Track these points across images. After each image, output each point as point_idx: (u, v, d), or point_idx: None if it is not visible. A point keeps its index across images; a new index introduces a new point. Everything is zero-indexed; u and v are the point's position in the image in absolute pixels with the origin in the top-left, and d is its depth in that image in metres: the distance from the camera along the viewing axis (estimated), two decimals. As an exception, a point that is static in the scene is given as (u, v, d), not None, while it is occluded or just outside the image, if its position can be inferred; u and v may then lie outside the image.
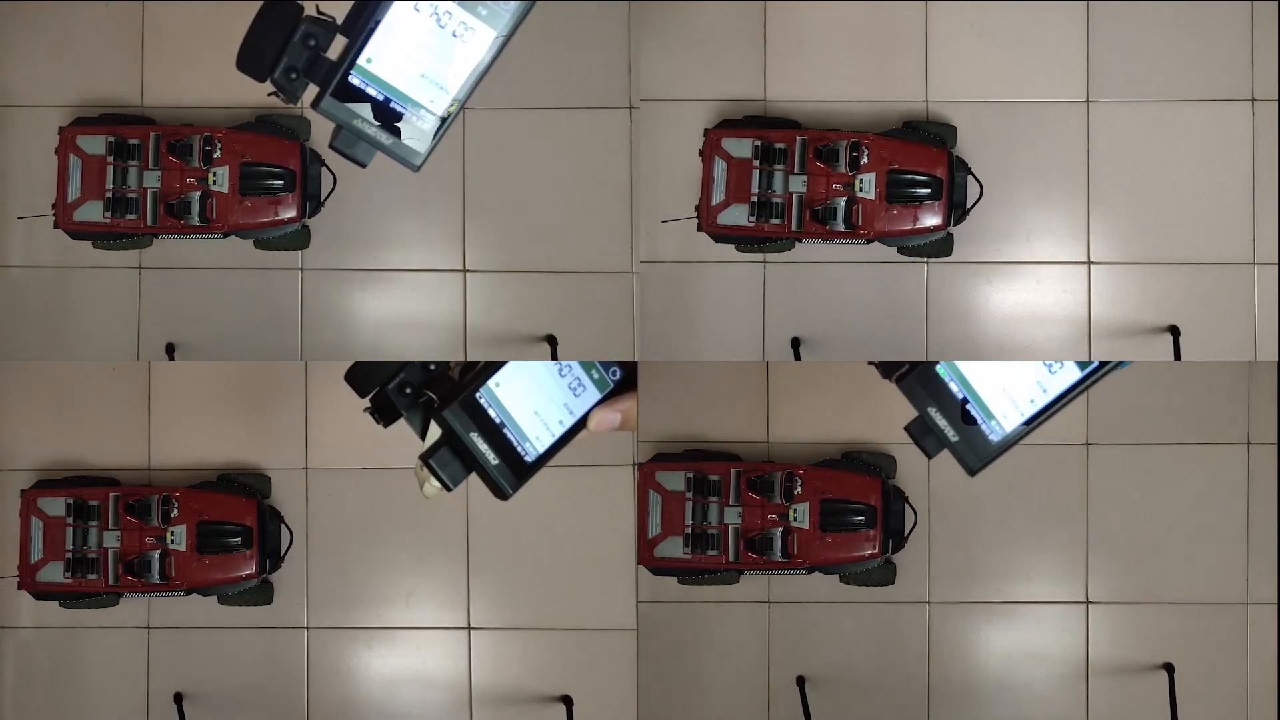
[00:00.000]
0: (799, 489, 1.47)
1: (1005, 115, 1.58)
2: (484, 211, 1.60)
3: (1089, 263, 1.59)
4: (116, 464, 1.58)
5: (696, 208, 1.52)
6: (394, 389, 0.79)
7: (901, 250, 1.55)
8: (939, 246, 1.54)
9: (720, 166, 1.49)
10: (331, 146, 0.77)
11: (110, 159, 1.48)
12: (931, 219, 1.50)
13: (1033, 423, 0.99)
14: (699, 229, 1.52)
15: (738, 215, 1.49)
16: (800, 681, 1.58)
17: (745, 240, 1.52)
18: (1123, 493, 1.58)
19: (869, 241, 1.50)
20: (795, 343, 1.59)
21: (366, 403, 0.83)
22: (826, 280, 1.59)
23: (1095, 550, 1.59)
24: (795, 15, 1.60)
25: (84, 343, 1.59)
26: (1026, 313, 1.59)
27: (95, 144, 1.48)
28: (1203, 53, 1.58)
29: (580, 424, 0.79)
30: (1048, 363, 0.98)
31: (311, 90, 0.78)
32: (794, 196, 1.48)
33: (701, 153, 1.52)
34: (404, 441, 1.59)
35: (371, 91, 0.74)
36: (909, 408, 1.06)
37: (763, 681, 1.59)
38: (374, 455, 1.59)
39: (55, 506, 1.47)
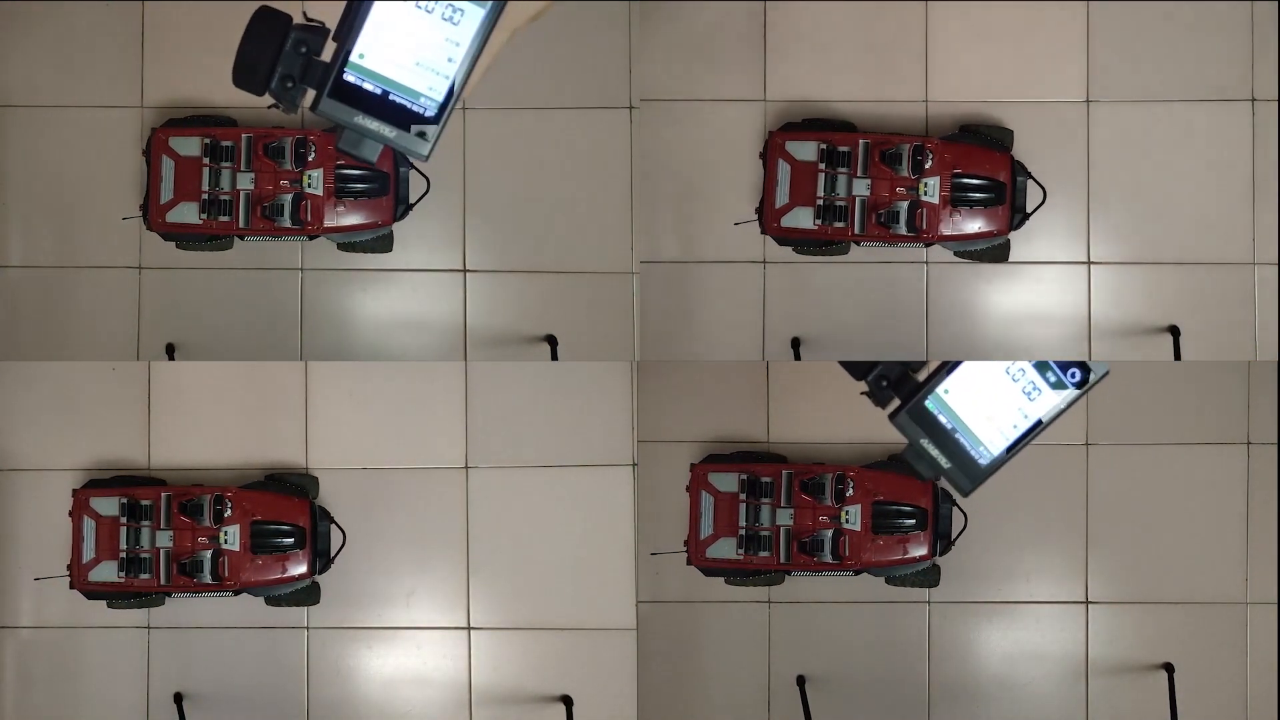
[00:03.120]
0: (850, 491, 1.47)
1: (1005, 115, 1.58)
2: (484, 211, 1.60)
3: (1089, 263, 1.59)
4: (117, 463, 1.58)
5: (757, 210, 1.52)
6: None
7: (959, 254, 1.55)
8: (997, 252, 1.54)
9: (784, 169, 1.49)
10: (337, 148, 0.77)
11: (206, 161, 1.48)
12: (994, 223, 1.49)
13: (1015, 448, 1.07)
14: (762, 232, 1.52)
15: (802, 218, 1.49)
16: (800, 681, 1.58)
17: (808, 243, 1.52)
18: (1123, 493, 1.58)
19: (928, 245, 1.50)
20: (795, 343, 1.59)
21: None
22: (826, 280, 1.59)
23: (1095, 550, 1.59)
24: (795, 15, 1.60)
25: (84, 343, 1.59)
26: (1026, 313, 1.59)
27: (188, 145, 1.48)
28: (1203, 53, 1.58)
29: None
30: (1026, 390, 1.04)
31: (310, 98, 0.78)
32: (857, 200, 1.48)
33: (762, 155, 1.52)
34: (404, 442, 1.60)
35: (369, 87, 0.74)
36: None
37: (763, 681, 1.59)
38: (374, 455, 1.59)
39: (108, 506, 1.47)
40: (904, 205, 1.47)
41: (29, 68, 1.59)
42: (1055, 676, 1.58)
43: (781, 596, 1.58)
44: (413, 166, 1.53)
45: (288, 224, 1.47)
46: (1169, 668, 1.56)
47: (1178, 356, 1.57)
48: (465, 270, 1.60)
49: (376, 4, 0.72)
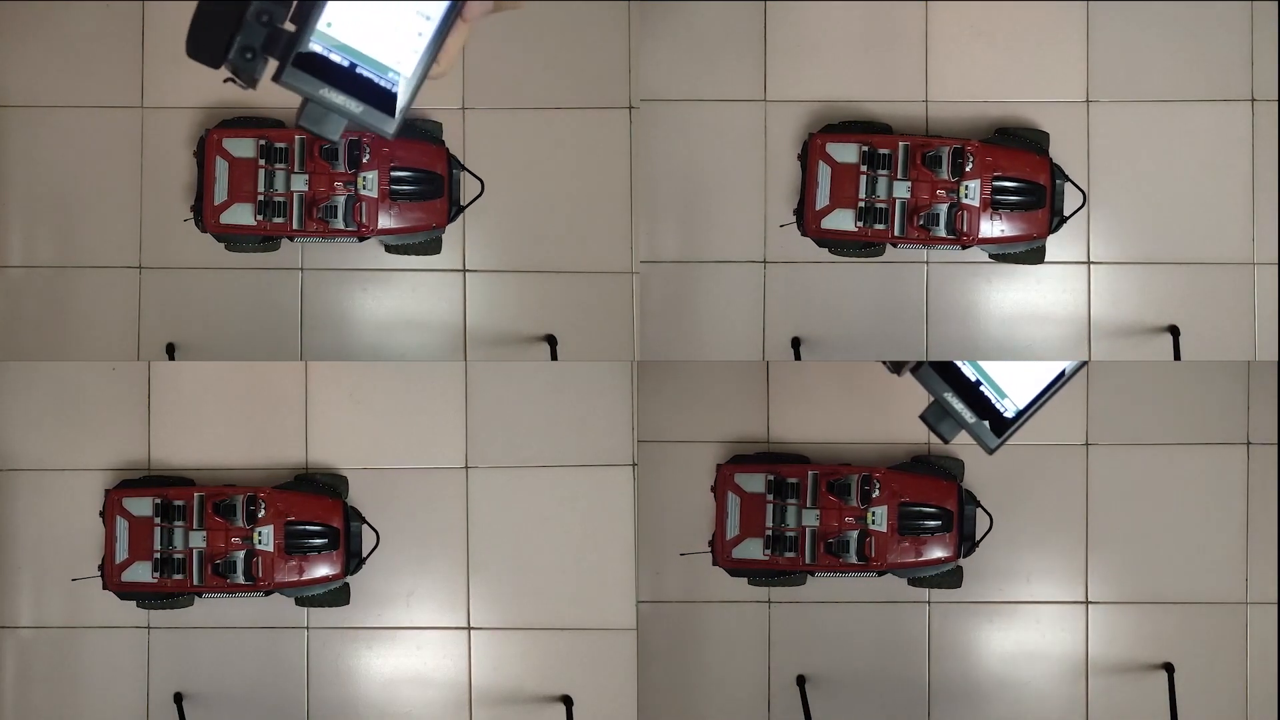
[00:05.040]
0: (876, 492, 1.47)
1: (1005, 115, 1.58)
2: (483, 211, 1.60)
3: (1089, 263, 1.59)
4: (117, 464, 1.58)
5: (796, 211, 1.52)
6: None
7: (994, 257, 1.55)
8: (1034, 254, 1.54)
9: (824, 171, 1.49)
10: (298, 124, 0.73)
11: (262, 162, 1.48)
12: (1033, 227, 1.50)
13: (1042, 398, 1.03)
14: (803, 234, 1.52)
15: (843, 220, 1.49)
16: (800, 681, 1.58)
17: (847, 245, 1.53)
18: (1123, 493, 1.58)
19: (965, 248, 1.50)
20: (795, 343, 1.59)
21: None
22: (826, 280, 1.59)
23: (1095, 550, 1.59)
24: (795, 15, 1.60)
25: (84, 343, 1.59)
26: (1026, 313, 1.59)
27: (243, 147, 1.48)
28: (1203, 53, 1.58)
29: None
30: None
31: (271, 70, 0.74)
32: (897, 202, 1.48)
33: (800, 157, 1.52)
34: (404, 442, 1.60)
35: (336, 58, 0.70)
36: (911, 405, 1.09)
37: (763, 681, 1.59)
38: (374, 455, 1.59)
39: (141, 507, 1.47)
40: (944, 208, 1.47)
41: (29, 68, 1.59)
42: (1055, 676, 1.58)
43: (782, 596, 1.58)
44: (464, 168, 1.54)
45: (341, 225, 1.48)
46: (1169, 668, 1.56)
47: (1178, 356, 1.57)
48: (465, 270, 1.60)
49: None
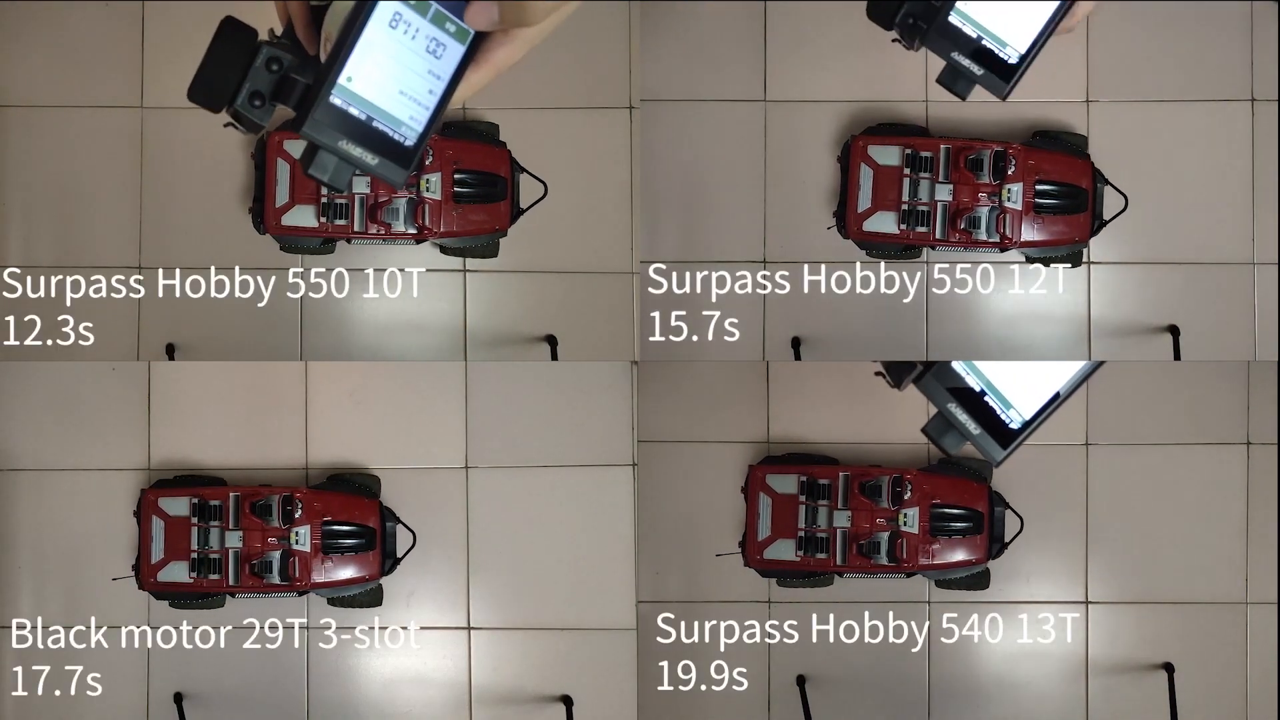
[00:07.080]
0: (908, 494, 1.47)
1: (1005, 115, 1.58)
2: (484, 211, 1.60)
3: (1089, 263, 1.59)
4: (117, 464, 1.58)
5: (836, 214, 1.52)
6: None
7: (1030, 260, 1.55)
8: (1072, 257, 1.55)
9: (866, 173, 1.49)
10: (306, 173, 0.74)
11: None
12: (1075, 230, 1.50)
13: (1048, 408, 1.02)
14: (844, 236, 1.52)
15: (884, 222, 1.49)
16: (800, 681, 1.58)
17: (888, 249, 1.53)
18: (1123, 493, 1.58)
19: (1003, 250, 1.50)
20: (795, 343, 1.59)
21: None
22: (826, 280, 1.59)
23: (1095, 550, 1.59)
24: (795, 15, 1.60)
25: (84, 343, 1.59)
26: (1026, 312, 1.59)
27: (301, 150, 1.48)
28: (1203, 53, 1.58)
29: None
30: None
31: (278, 116, 0.75)
32: (939, 205, 1.48)
33: (840, 159, 1.53)
34: (404, 442, 1.60)
35: (354, 111, 0.72)
36: (911, 404, 1.09)
37: (763, 681, 1.59)
38: (374, 455, 1.59)
39: (177, 507, 1.47)
40: (984, 211, 1.47)
41: (29, 68, 1.59)
42: (1055, 676, 1.58)
43: (782, 597, 1.58)
44: (525, 171, 1.55)
45: (402, 228, 1.48)
46: (1169, 668, 1.56)
47: (1178, 356, 1.57)
48: (465, 270, 1.60)
49: (368, 28, 0.69)
